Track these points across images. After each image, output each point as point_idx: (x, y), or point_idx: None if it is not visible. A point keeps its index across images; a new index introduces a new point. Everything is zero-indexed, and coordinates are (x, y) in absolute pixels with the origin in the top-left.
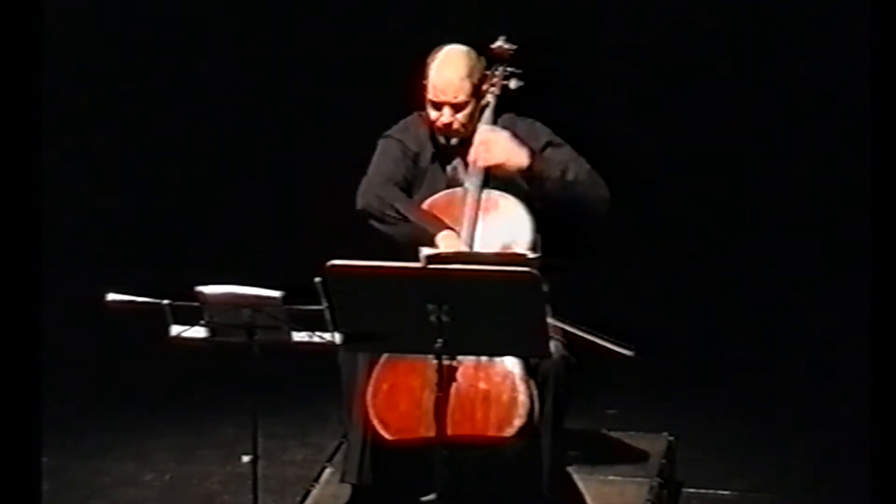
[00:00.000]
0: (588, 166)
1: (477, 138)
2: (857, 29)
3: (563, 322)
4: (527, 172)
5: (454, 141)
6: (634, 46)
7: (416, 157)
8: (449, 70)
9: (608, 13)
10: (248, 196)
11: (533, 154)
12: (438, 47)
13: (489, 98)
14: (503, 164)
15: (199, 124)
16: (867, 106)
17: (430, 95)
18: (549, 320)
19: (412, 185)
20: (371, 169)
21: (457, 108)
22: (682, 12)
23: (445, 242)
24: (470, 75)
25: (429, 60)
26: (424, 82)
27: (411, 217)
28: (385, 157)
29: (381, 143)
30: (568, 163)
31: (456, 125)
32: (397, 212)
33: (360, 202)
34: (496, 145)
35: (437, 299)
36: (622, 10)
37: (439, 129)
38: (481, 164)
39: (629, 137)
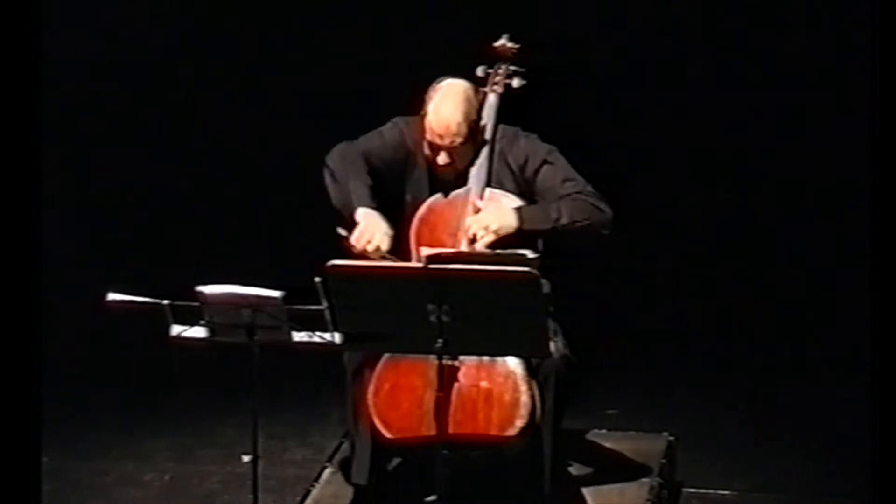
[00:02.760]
0: (585, 189)
1: (470, 225)
2: (858, 30)
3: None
4: (520, 232)
5: (450, 177)
6: (636, 45)
7: (409, 154)
8: (446, 112)
9: (611, 12)
10: (248, 196)
11: (520, 214)
12: (439, 80)
13: (491, 97)
14: (497, 234)
15: (200, 124)
16: (867, 106)
17: (428, 136)
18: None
19: (398, 175)
20: (361, 138)
21: (451, 151)
22: (686, 12)
23: (364, 216)
24: (467, 118)
25: (426, 97)
26: (423, 114)
27: (348, 189)
28: (380, 136)
29: (388, 123)
30: (560, 205)
31: (451, 166)
32: (344, 176)
33: (327, 157)
34: (488, 223)
35: (437, 299)
36: (625, 8)
37: (435, 168)
38: (481, 243)
39: (631, 136)
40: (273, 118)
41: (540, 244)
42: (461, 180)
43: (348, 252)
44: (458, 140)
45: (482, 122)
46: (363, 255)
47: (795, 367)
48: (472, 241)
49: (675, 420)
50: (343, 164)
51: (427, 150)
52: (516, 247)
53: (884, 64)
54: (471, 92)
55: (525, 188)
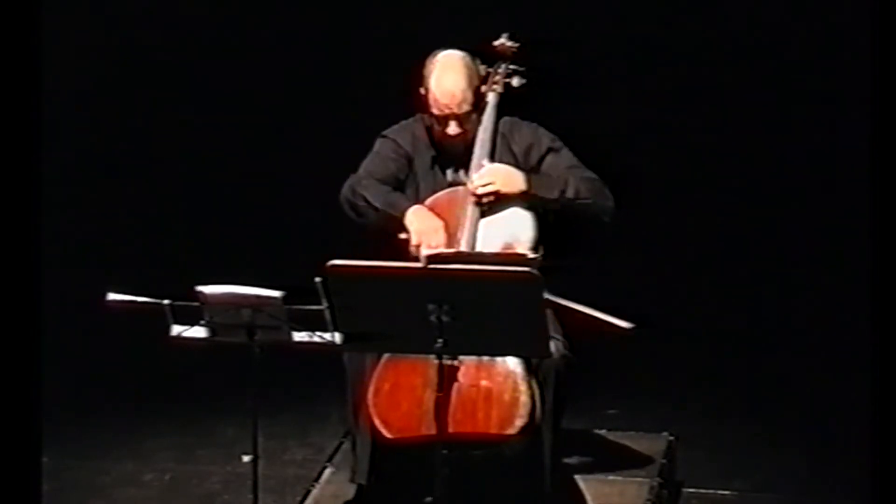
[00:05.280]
0: (590, 175)
1: (477, 176)
2: (858, 29)
3: (560, 298)
4: (525, 196)
5: (458, 150)
6: (636, 44)
7: (409, 158)
8: (449, 82)
9: (610, 11)
10: (248, 196)
11: (529, 178)
12: (434, 53)
13: (491, 96)
14: (503, 191)
15: (200, 124)
16: (867, 106)
17: (434, 109)
18: (546, 295)
19: (404, 182)
20: (361, 166)
21: (461, 118)
22: (686, 11)
23: (415, 216)
24: (470, 84)
25: (425, 72)
26: (422, 90)
27: (377, 204)
28: (376, 155)
29: (377, 142)
30: (567, 178)
31: (459, 136)
32: (365, 200)
33: (341, 196)
34: (496, 176)
35: (437, 299)
36: (624, 7)
37: (443, 138)
38: (483, 193)
39: (631, 135)
40: (273, 119)
41: (539, 247)
42: (469, 150)
43: (414, 257)
44: (466, 106)
45: (483, 89)
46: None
47: (795, 368)
48: (478, 198)
49: (675, 420)
50: (357, 193)
51: (436, 125)
52: (517, 212)
53: (884, 64)
54: (468, 59)
55: None
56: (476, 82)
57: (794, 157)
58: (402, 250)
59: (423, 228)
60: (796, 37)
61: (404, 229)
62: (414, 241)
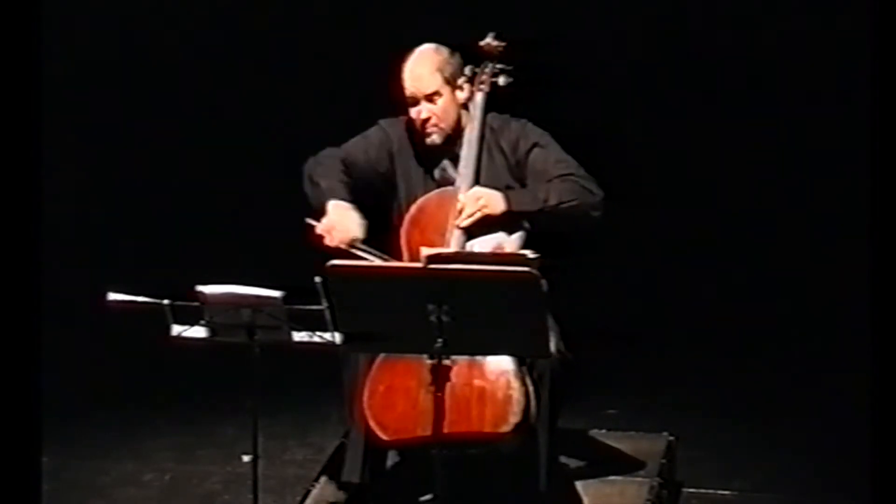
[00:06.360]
0: (574, 173)
1: (458, 206)
2: (858, 27)
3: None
4: (508, 215)
5: (437, 139)
6: (625, 42)
7: (392, 153)
8: (417, 66)
9: (598, 9)
10: (249, 196)
11: (508, 197)
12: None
13: (478, 95)
14: (485, 213)
15: (199, 124)
16: (867, 106)
17: (404, 92)
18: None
19: (383, 175)
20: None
21: (430, 100)
22: (676, 8)
23: (333, 210)
24: (440, 69)
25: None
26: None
27: (320, 182)
28: (362, 139)
29: (371, 128)
30: (547, 185)
31: (434, 120)
32: (311, 178)
33: (306, 163)
34: (475, 201)
35: (437, 299)
36: (613, 5)
37: (420, 127)
38: (467, 223)
39: (621, 133)
40: (272, 118)
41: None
42: (450, 147)
43: (319, 245)
44: (432, 87)
45: (460, 81)
46: (336, 247)
47: (795, 368)
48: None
49: (675, 420)
50: (317, 167)
51: (412, 113)
52: (504, 230)
53: (884, 64)
54: (443, 50)
55: (517, 172)
56: (448, 70)
57: (794, 157)
58: (400, 249)
59: (332, 223)
60: (796, 37)
61: (322, 215)
62: (320, 229)
